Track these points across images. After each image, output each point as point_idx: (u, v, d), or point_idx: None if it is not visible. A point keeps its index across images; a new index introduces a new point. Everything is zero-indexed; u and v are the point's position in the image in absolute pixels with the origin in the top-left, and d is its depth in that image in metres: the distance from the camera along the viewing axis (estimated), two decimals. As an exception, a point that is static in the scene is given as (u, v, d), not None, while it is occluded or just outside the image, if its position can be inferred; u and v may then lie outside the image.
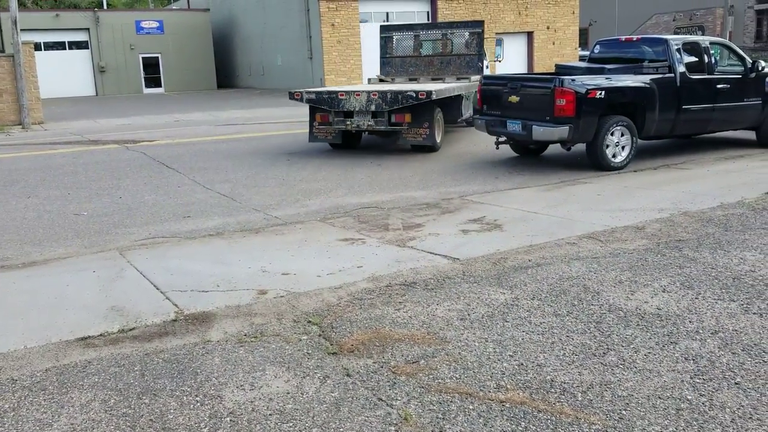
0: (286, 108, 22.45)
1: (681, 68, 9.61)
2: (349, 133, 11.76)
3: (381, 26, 15.60)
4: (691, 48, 9.96)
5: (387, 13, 29.96)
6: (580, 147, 9.54)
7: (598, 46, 11.18)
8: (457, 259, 5.43)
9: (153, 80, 38.09)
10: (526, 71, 31.74)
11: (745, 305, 4.23)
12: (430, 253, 5.63)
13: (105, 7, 44.09)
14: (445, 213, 7.12)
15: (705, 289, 4.52)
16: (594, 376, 3.37)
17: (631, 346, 3.70)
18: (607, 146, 9.13)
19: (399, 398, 3.22)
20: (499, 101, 9.79)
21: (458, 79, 14.02)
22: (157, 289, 4.91)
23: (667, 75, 9.55)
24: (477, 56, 14.36)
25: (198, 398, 3.29)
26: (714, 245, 5.50)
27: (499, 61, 19.96)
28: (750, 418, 2.97)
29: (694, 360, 3.52)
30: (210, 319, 4.29)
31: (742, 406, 3.07)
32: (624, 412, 3.04)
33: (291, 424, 3.03)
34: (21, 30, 18.71)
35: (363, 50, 28.68)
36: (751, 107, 10.44)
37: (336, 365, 3.58)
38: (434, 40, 14.67)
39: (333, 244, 6.03)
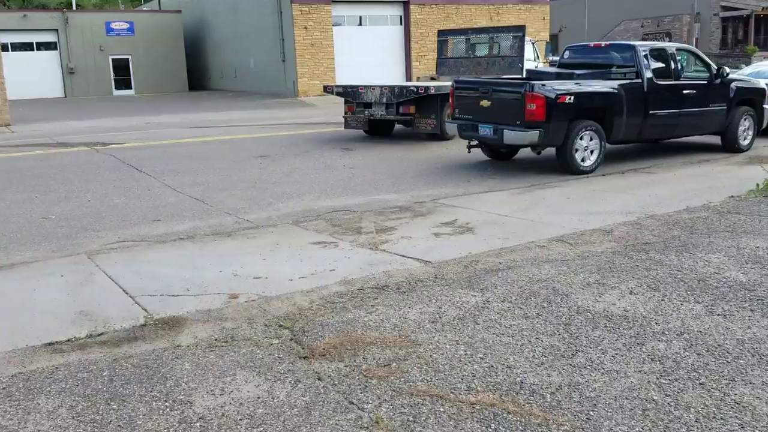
0: (259, 111, 22.37)
1: (648, 74, 9.79)
2: (375, 123, 13.80)
3: (438, 31, 17.35)
4: (658, 54, 10.14)
5: (360, 17, 29.99)
6: (551, 151, 9.66)
7: (567, 52, 11.33)
8: (429, 262, 5.46)
9: (123, 82, 37.60)
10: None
11: (709, 307, 4.32)
12: (403, 256, 5.65)
13: (74, 7, 43.39)
14: (418, 216, 7.16)
15: (671, 291, 4.61)
16: (563, 378, 3.42)
17: (599, 348, 3.76)
18: (577, 150, 9.26)
19: (370, 401, 3.23)
20: (471, 105, 9.87)
21: None
22: (127, 293, 4.85)
23: (635, 80, 9.72)
24: (518, 57, 15.01)
25: (167, 403, 3.26)
26: (680, 248, 5.61)
27: (548, 62, 20.73)
28: (714, 417, 3.03)
29: (660, 361, 3.59)
30: (180, 323, 4.26)
31: (707, 405, 3.14)
32: (592, 412, 3.09)
33: (261, 428, 3.03)
34: (-13, 30, 18.34)
35: (336, 53, 28.66)
36: (716, 113, 10.66)
37: (307, 369, 3.58)
38: (482, 43, 15.83)
39: (305, 247, 6.02)
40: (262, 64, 31.88)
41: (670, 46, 10.67)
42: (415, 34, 30.57)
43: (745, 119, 11.00)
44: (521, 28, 15.58)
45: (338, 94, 14.05)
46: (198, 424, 3.07)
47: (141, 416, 3.15)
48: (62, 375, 3.57)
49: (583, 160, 9.35)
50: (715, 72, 10.56)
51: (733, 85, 10.78)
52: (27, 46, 35.43)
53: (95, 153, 12.92)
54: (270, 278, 5.13)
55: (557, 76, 9.99)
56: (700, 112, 10.43)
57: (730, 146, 11.05)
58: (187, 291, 4.87)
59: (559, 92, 8.96)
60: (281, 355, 3.76)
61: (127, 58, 37.46)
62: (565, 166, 9.34)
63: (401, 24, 30.65)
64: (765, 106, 11.28)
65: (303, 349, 3.84)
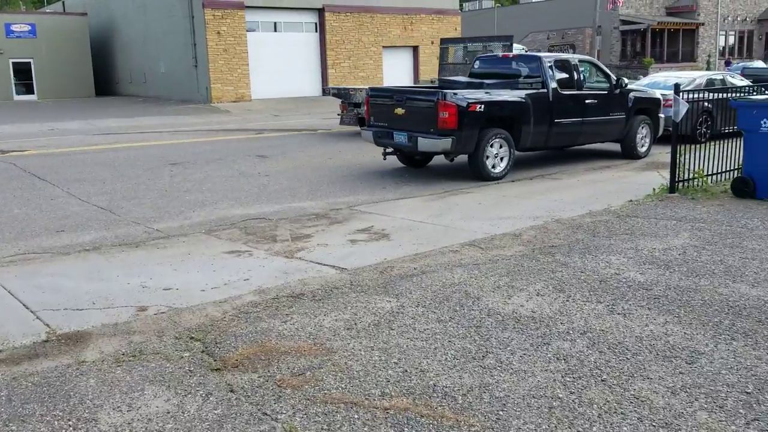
0: (169, 117, 21.79)
1: (553, 84, 10.20)
2: (364, 119, 14.53)
3: (441, 39, 19.11)
4: (562, 65, 10.58)
5: (275, 23, 29.70)
6: (463, 158, 9.89)
7: (478, 62, 11.64)
8: (345, 269, 5.47)
9: (25, 86, 35.69)
10: (411, 84, 32.47)
11: (610, 306, 4.54)
12: (318, 263, 5.64)
13: (-32, 7, 40.97)
14: (334, 223, 7.16)
15: (575, 292, 4.81)
16: (474, 379, 3.51)
17: (508, 349, 3.88)
18: (487, 157, 9.52)
19: (284, 411, 3.21)
20: (386, 113, 9.98)
21: None
22: (27, 308, 4.62)
23: (541, 90, 10.10)
24: None
25: (71, 422, 3.12)
26: (583, 250, 5.86)
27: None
28: (615, 412, 3.19)
29: (564, 360, 3.74)
30: (85, 338, 4.09)
31: (608, 401, 3.29)
32: (501, 412, 3.19)
33: (172, 443, 2.95)
34: None
35: (250, 59, 28.27)
36: (616, 121, 11.22)
37: (219, 381, 3.52)
38: (477, 51, 16.95)
39: (218, 256, 5.91)
40: (174, 69, 31.03)
41: (573, 57, 11.16)
42: (331, 42, 30.59)
43: (642, 127, 11.63)
44: (509, 38, 17.49)
45: (334, 95, 15.77)
46: (104, 442, 2.96)
47: (42, 437, 3.00)
48: (-46, 397, 3.36)
49: (493, 166, 9.63)
50: (614, 83, 11.11)
51: (631, 95, 11.38)
52: None
53: (-8, 161, 12.22)
54: (181, 289, 5.00)
55: (468, 86, 10.25)
56: (601, 121, 10.94)
57: (629, 153, 11.65)
58: (93, 304, 4.69)
59: (470, 101, 9.20)
60: (192, 368, 3.68)
61: (29, 62, 35.61)
62: (476, 172, 9.59)
63: (317, 31, 30.59)
64: (660, 115, 11.96)
65: (215, 361, 3.77)
